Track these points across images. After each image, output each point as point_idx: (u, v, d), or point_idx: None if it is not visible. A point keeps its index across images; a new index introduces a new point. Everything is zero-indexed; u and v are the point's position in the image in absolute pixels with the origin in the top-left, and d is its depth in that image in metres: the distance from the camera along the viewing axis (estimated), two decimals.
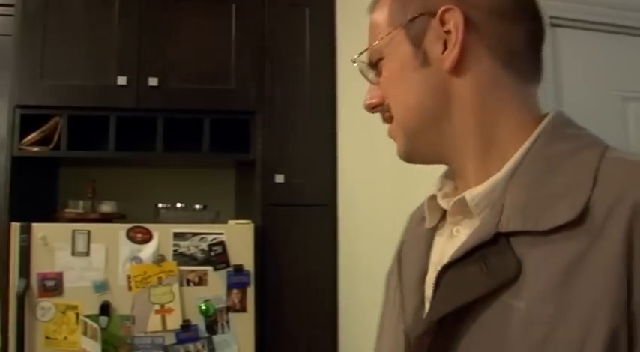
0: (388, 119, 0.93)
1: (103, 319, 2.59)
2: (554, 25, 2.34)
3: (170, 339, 2.64)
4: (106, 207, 2.97)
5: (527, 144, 0.81)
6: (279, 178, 2.96)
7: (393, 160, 0.97)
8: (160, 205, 3.00)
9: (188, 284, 2.70)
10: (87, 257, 2.65)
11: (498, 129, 0.84)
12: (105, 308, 2.60)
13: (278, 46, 3.06)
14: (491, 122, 0.84)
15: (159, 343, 2.63)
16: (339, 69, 3.07)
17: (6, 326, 2.58)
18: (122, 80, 2.89)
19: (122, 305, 2.63)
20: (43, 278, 2.61)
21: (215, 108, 2.97)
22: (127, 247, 2.68)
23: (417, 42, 0.86)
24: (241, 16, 3.04)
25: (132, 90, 2.90)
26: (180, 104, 2.95)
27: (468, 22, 0.82)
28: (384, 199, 2.45)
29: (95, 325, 2.58)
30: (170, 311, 2.65)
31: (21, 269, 2.60)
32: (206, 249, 2.73)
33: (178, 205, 3.01)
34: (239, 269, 2.74)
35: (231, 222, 2.85)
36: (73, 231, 2.66)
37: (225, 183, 3.47)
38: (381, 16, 0.91)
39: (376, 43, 0.91)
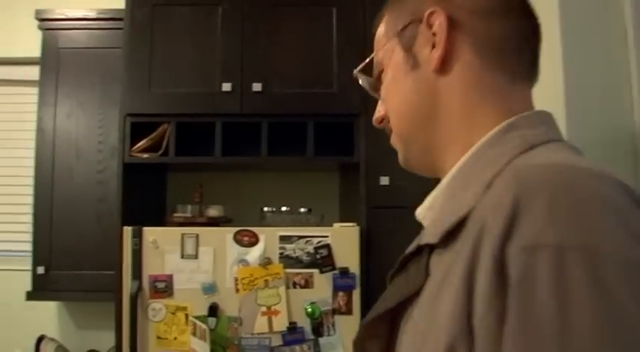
0: (389, 130, 0.95)
1: (212, 320, 2.62)
2: None
3: (276, 341, 2.65)
4: (213, 211, 3.02)
5: (471, 151, 0.81)
6: (384, 180, 2.91)
7: None
8: (265, 209, 3.01)
9: (294, 287, 2.69)
10: (195, 260, 2.69)
11: (475, 132, 0.82)
12: (213, 310, 2.63)
13: None
14: (471, 125, 0.83)
15: (265, 344, 2.64)
16: None
17: (120, 326, 2.66)
18: (227, 86, 2.93)
19: (230, 306, 2.66)
20: (154, 280, 2.67)
21: (318, 112, 2.95)
22: (234, 250, 2.70)
23: (408, 47, 0.89)
24: (342, 19, 3.02)
25: (236, 96, 2.93)
26: (283, 108, 2.95)
27: (452, 22, 0.83)
28: None
29: (204, 326, 2.62)
30: (276, 313, 2.65)
31: (133, 271, 2.67)
32: (312, 251, 2.72)
33: (283, 208, 3.01)
34: (345, 271, 2.71)
35: (337, 225, 2.83)
36: (182, 235, 2.71)
37: (329, 186, 3.47)
38: (381, 29, 0.98)
39: (374, 55, 0.97)
